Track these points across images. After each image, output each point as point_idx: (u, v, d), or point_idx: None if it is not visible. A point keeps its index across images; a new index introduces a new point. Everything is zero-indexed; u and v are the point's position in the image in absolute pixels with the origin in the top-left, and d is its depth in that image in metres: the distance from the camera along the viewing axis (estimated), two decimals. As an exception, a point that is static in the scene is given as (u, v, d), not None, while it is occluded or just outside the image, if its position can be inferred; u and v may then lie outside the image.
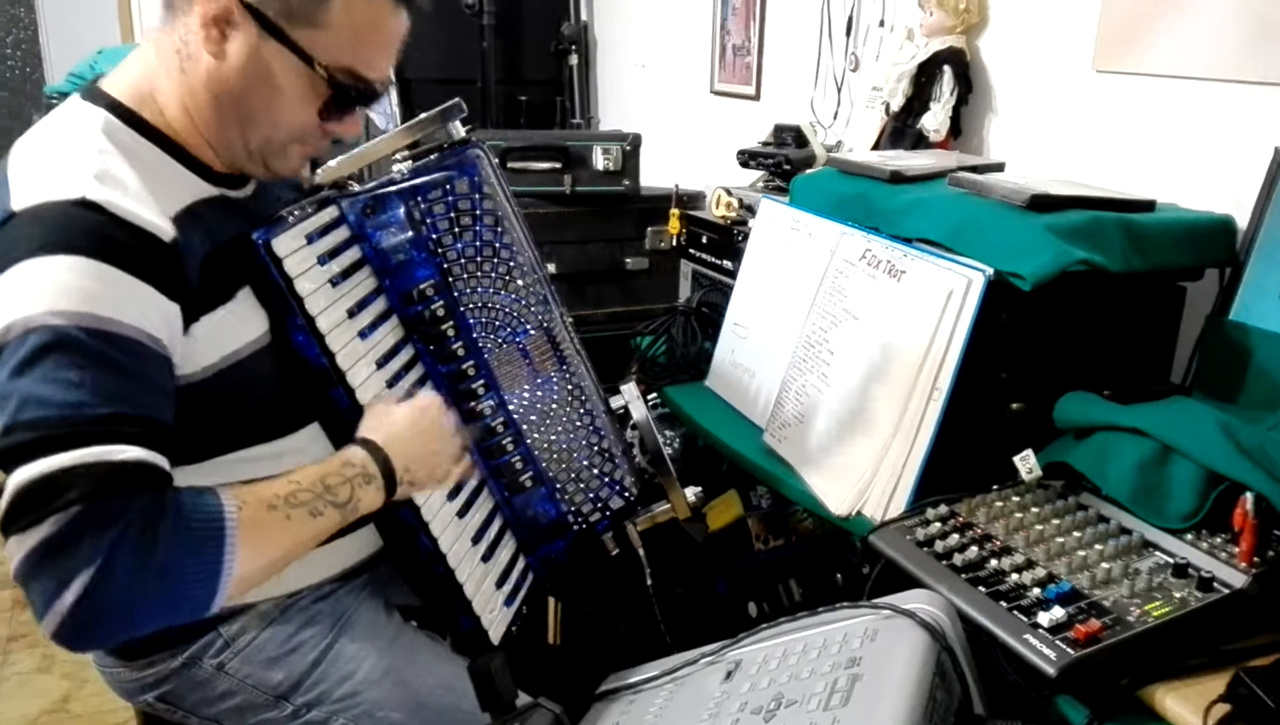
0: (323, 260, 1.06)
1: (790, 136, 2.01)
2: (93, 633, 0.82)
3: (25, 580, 0.80)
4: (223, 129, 1.01)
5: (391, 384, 1.11)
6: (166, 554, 0.83)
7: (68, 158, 0.93)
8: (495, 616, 1.17)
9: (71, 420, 0.82)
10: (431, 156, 1.16)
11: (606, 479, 1.25)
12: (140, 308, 0.89)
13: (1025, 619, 0.96)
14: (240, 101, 0.99)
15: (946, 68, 1.77)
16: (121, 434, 0.84)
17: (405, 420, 1.07)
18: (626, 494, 1.27)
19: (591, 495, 1.25)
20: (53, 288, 0.85)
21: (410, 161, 1.16)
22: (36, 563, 0.80)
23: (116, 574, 0.80)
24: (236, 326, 1.02)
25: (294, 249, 1.03)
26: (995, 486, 1.21)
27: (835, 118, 2.23)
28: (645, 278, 2.44)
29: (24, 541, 0.80)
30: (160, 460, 0.87)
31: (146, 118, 1.01)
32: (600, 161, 2.33)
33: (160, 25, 1.02)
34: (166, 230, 0.93)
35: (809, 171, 1.83)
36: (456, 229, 1.13)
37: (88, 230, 0.88)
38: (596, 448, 1.24)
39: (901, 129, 1.85)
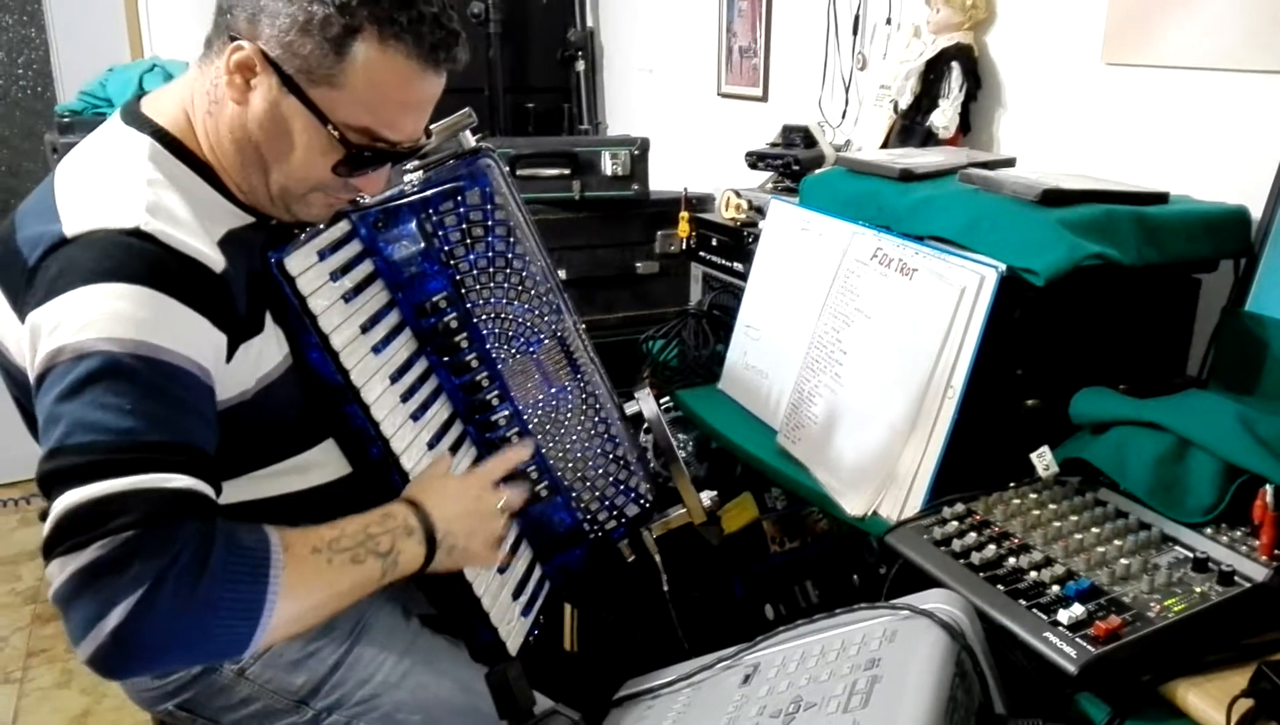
0: (335, 276, 1.06)
1: (798, 137, 2.01)
2: (129, 661, 0.80)
3: (66, 602, 0.79)
4: (245, 172, 1.03)
5: (406, 398, 1.11)
6: (212, 585, 0.82)
7: (119, 187, 0.94)
8: (513, 627, 1.17)
9: (123, 446, 0.82)
10: (442, 166, 1.16)
11: (622, 486, 1.25)
12: (191, 338, 0.90)
13: (1045, 617, 0.95)
14: (259, 148, 1.01)
15: (954, 64, 1.77)
16: (172, 462, 0.84)
17: (449, 486, 1.09)
18: (642, 501, 1.27)
19: (607, 503, 1.25)
20: (107, 314, 0.85)
21: (421, 172, 1.16)
22: (79, 585, 0.78)
23: (161, 602, 0.79)
24: (269, 350, 1.02)
25: (306, 266, 1.03)
26: (1012, 484, 1.20)
27: (843, 117, 2.23)
28: (656, 281, 2.44)
29: (67, 564, 0.79)
30: (208, 490, 0.87)
31: (189, 147, 1.02)
32: (609, 167, 2.33)
33: (199, 61, 1.03)
34: (217, 261, 0.94)
35: (818, 171, 1.83)
36: (469, 240, 1.13)
37: (142, 259, 0.89)
38: (611, 455, 1.24)
39: (910, 127, 1.85)
